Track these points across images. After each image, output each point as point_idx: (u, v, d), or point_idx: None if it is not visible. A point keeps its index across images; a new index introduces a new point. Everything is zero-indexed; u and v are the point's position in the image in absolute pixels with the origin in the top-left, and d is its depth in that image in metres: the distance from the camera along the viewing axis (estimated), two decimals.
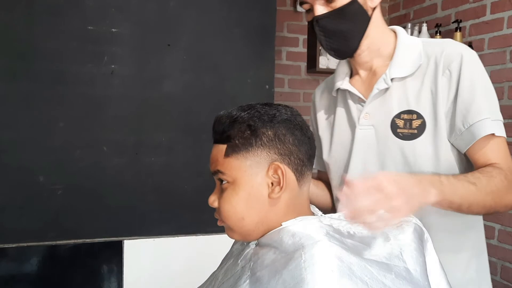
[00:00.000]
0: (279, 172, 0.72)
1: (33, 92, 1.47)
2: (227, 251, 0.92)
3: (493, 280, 2.35)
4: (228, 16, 1.67)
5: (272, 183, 0.73)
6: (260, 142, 0.73)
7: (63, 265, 1.56)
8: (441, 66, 0.91)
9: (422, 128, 0.92)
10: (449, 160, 0.92)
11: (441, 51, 0.92)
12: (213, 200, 0.77)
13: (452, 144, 0.92)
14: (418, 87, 0.93)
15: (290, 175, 0.73)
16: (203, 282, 0.89)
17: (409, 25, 2.89)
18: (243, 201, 0.73)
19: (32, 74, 1.47)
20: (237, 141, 0.73)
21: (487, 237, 2.38)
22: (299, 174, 0.75)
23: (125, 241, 1.57)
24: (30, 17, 1.46)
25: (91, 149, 1.53)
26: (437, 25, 2.62)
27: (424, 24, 2.75)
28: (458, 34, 2.45)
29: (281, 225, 0.73)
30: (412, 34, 2.84)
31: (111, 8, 1.53)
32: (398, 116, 0.94)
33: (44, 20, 1.47)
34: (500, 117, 0.90)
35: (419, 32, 2.77)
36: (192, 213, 1.64)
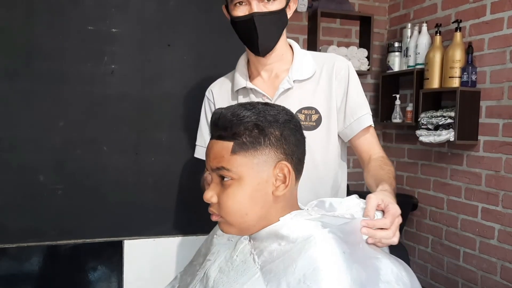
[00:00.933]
0: (285, 170, 0.77)
1: (33, 91, 1.47)
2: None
3: (492, 280, 2.35)
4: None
5: (276, 181, 0.77)
6: (268, 142, 0.76)
7: (63, 265, 1.56)
8: (334, 73, 1.16)
9: (319, 121, 1.15)
10: (335, 147, 1.19)
11: (333, 63, 1.18)
12: (210, 196, 0.78)
13: (338, 134, 1.19)
14: (314, 88, 1.16)
15: (292, 174, 0.78)
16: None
17: (409, 25, 2.89)
18: (248, 197, 0.75)
19: (32, 74, 1.47)
20: (244, 139, 0.75)
21: (487, 237, 2.39)
22: (297, 172, 0.81)
23: (125, 241, 1.57)
24: (30, 16, 1.46)
25: (91, 148, 1.53)
26: (437, 25, 2.62)
27: (424, 24, 2.75)
28: (458, 34, 2.45)
29: (279, 219, 0.78)
30: (412, 34, 2.84)
31: (111, 8, 1.53)
32: (299, 111, 1.15)
33: (44, 20, 1.47)
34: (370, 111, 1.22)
35: (419, 32, 2.77)
36: (192, 213, 1.64)
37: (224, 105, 1.11)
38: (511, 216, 2.26)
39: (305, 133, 1.01)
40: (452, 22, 2.57)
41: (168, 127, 1.62)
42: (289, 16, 1.16)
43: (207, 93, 1.30)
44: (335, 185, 1.23)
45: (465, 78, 2.40)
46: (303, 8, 2.90)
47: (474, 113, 2.42)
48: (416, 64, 2.76)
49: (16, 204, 1.47)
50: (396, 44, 2.96)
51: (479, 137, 2.43)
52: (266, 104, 0.81)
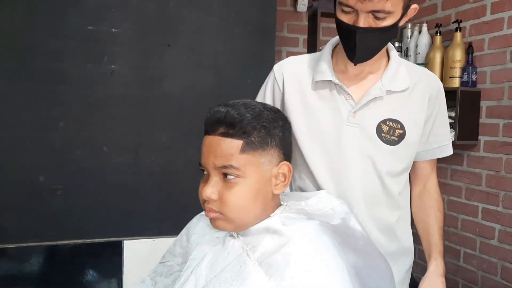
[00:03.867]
0: (286, 170, 0.81)
1: (33, 92, 1.47)
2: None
3: (493, 280, 2.35)
4: (228, 16, 1.67)
5: (276, 179, 0.80)
6: (274, 142, 0.79)
7: (63, 265, 1.56)
8: (428, 92, 1.10)
9: (402, 137, 1.07)
10: (408, 167, 1.13)
11: (427, 80, 1.11)
12: (211, 192, 0.77)
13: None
14: (404, 102, 1.08)
15: (292, 172, 0.82)
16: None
17: (409, 25, 2.89)
18: (253, 195, 0.77)
19: (32, 74, 1.47)
20: (253, 139, 0.76)
21: (487, 237, 2.39)
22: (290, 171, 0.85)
23: (125, 241, 1.57)
24: (30, 16, 1.46)
25: (91, 149, 1.53)
26: (437, 25, 2.62)
27: (424, 24, 2.75)
28: (458, 34, 2.45)
29: (269, 216, 0.81)
30: (412, 34, 2.84)
31: (111, 8, 1.53)
32: (384, 122, 1.07)
33: (45, 20, 1.47)
34: None
35: (419, 32, 2.77)
36: (192, 213, 1.63)
37: (294, 95, 1.09)
38: (511, 216, 2.26)
39: (384, 146, 1.05)
40: (452, 22, 2.57)
41: (168, 127, 1.62)
42: (401, 23, 0.99)
43: (275, 71, 1.14)
44: (397, 207, 1.15)
45: (465, 78, 2.40)
46: (303, 8, 2.90)
47: (475, 113, 2.42)
48: (417, 64, 2.76)
49: (16, 204, 1.47)
50: (396, 44, 2.95)
51: (480, 137, 2.43)
52: (263, 105, 0.83)
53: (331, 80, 1.06)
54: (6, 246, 1.47)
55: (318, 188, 1.07)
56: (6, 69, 1.44)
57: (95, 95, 1.53)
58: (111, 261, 1.58)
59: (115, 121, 1.55)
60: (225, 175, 0.76)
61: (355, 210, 1.00)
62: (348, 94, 1.05)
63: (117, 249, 1.57)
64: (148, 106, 1.59)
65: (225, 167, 0.75)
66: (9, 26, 1.44)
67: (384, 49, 1.06)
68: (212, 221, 0.80)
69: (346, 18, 0.95)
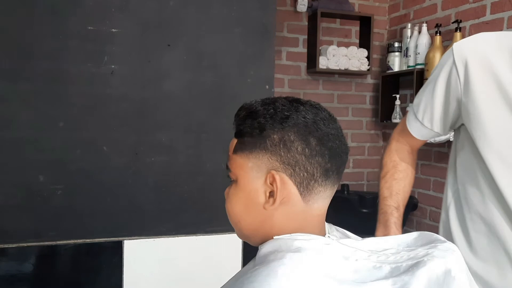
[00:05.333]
0: (274, 184, 0.65)
1: (33, 91, 1.47)
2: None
3: None
4: (228, 16, 1.67)
5: (269, 193, 0.66)
6: (263, 145, 0.65)
7: (63, 265, 1.56)
8: None
9: None
10: None
11: None
12: (226, 192, 0.73)
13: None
14: None
15: (291, 188, 0.65)
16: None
17: (409, 25, 2.89)
18: (241, 203, 0.69)
19: (32, 74, 1.47)
20: (245, 139, 0.67)
21: None
22: (305, 189, 0.65)
23: (125, 241, 1.57)
24: (30, 16, 1.46)
25: (91, 148, 1.53)
26: (437, 25, 2.62)
27: (424, 24, 2.75)
28: (458, 34, 2.45)
29: (273, 238, 0.66)
30: (412, 34, 2.84)
31: (111, 8, 1.53)
32: None
33: (44, 20, 1.47)
34: None
35: (419, 32, 2.77)
36: (192, 213, 1.64)
37: (486, 86, 0.79)
38: None
39: None
40: (452, 22, 2.57)
41: (168, 127, 1.62)
42: None
43: (456, 58, 0.83)
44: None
45: None
46: (303, 8, 2.90)
47: None
48: (416, 64, 2.76)
49: (16, 204, 1.47)
50: (396, 44, 2.96)
51: None
52: (293, 100, 0.68)
53: None
54: (6, 246, 1.47)
55: (508, 220, 0.81)
56: (6, 69, 1.44)
57: (95, 95, 1.53)
58: (111, 261, 1.58)
59: (115, 121, 1.55)
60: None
61: None
62: None
63: (117, 249, 1.57)
64: (148, 106, 1.59)
65: (227, 167, 0.71)
66: (9, 26, 1.44)
67: None
68: None
69: None
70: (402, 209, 1.10)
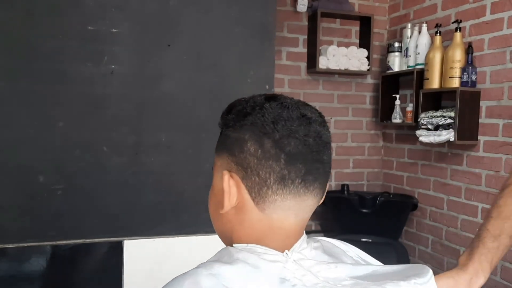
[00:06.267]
0: (225, 184, 0.60)
1: (32, 91, 1.47)
2: None
3: (493, 280, 2.35)
4: (228, 16, 1.67)
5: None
6: (224, 144, 0.62)
7: (63, 265, 1.56)
8: None
9: None
10: None
11: None
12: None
13: None
14: None
15: (244, 193, 0.60)
16: None
17: (409, 25, 2.89)
18: (213, 204, 0.65)
19: (32, 74, 1.46)
20: (219, 137, 0.65)
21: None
22: (258, 196, 0.59)
23: (125, 241, 1.57)
24: (30, 16, 1.46)
25: (91, 148, 1.53)
26: (437, 25, 2.62)
27: (424, 24, 2.75)
28: (458, 34, 2.45)
29: (233, 246, 0.62)
30: (412, 34, 2.84)
31: (111, 8, 1.53)
32: None
33: (44, 20, 1.47)
34: None
35: (419, 32, 2.77)
36: (192, 213, 1.64)
37: None
38: None
39: None
40: (452, 22, 2.57)
41: (168, 127, 1.62)
42: None
43: None
44: None
45: (465, 78, 2.40)
46: (303, 8, 2.90)
47: (474, 113, 2.42)
48: (416, 64, 2.76)
49: (16, 204, 1.47)
50: (396, 44, 2.96)
51: (479, 137, 2.43)
52: (269, 97, 0.62)
53: None
54: (5, 246, 1.47)
55: None
56: (5, 69, 1.44)
57: (95, 95, 1.53)
58: (111, 261, 1.58)
59: (115, 121, 1.55)
60: None
61: None
62: None
63: (117, 249, 1.57)
64: (148, 106, 1.59)
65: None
66: (8, 26, 1.44)
67: None
68: None
69: None
70: (505, 240, 0.86)
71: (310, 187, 0.59)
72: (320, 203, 0.65)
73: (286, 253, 0.59)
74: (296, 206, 0.60)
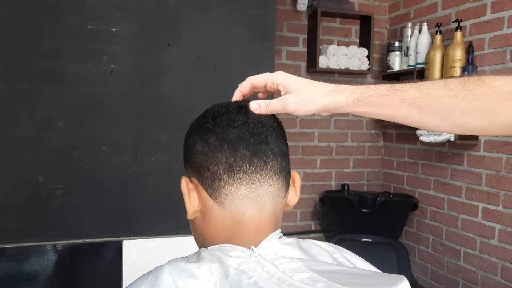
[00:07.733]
0: (183, 187, 0.64)
1: (32, 91, 1.47)
2: None
3: (493, 280, 2.35)
4: (228, 15, 1.66)
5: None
6: (183, 156, 0.66)
7: (63, 265, 1.56)
8: None
9: None
10: None
11: None
12: None
13: None
14: None
15: (202, 192, 0.62)
16: None
17: (409, 24, 2.89)
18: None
19: (31, 73, 1.46)
20: None
21: (487, 237, 2.38)
22: (213, 190, 0.61)
23: (124, 241, 1.57)
24: (29, 15, 1.45)
25: (90, 148, 1.53)
26: (438, 25, 2.61)
27: (425, 24, 2.75)
28: (458, 33, 2.45)
29: (207, 247, 0.64)
30: (412, 33, 2.84)
31: (111, 8, 1.53)
32: None
33: (43, 19, 1.47)
34: None
35: (420, 31, 2.77)
36: None
37: None
38: (511, 216, 2.25)
39: None
40: (453, 22, 2.57)
41: (168, 127, 1.61)
42: None
43: None
44: None
45: None
46: (303, 7, 2.90)
47: None
48: (417, 64, 2.75)
49: (16, 204, 1.47)
50: (397, 44, 2.96)
51: (480, 137, 2.43)
52: (224, 103, 0.66)
53: None
54: (5, 246, 1.47)
55: None
56: (5, 68, 1.44)
57: (94, 95, 1.53)
58: (111, 261, 1.58)
59: (114, 121, 1.55)
60: None
61: None
62: None
63: (117, 249, 1.57)
64: (148, 106, 1.59)
65: None
66: (8, 25, 1.44)
67: None
68: None
69: None
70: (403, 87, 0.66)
71: (261, 172, 0.60)
72: (295, 195, 0.66)
73: (252, 249, 0.60)
74: (252, 193, 0.60)
